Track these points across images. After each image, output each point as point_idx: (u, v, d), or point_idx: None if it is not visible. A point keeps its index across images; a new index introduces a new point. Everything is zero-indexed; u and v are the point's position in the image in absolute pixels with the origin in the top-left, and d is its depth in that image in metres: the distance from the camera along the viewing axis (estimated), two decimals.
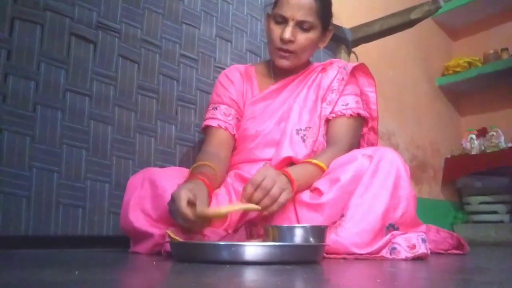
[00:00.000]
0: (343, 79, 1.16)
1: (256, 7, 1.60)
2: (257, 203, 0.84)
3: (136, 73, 1.23)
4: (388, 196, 0.89)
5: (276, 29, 1.12)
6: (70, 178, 1.04)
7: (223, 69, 1.42)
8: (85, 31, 1.12)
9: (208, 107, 1.23)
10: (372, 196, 0.89)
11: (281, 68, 1.16)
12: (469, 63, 2.81)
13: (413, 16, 1.64)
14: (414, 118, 2.60)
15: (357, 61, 1.77)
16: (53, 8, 1.06)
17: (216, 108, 1.19)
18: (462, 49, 3.06)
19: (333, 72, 1.19)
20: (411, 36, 2.48)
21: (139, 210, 0.94)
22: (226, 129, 1.16)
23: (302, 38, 1.12)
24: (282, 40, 1.10)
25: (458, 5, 2.78)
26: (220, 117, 1.17)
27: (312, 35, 1.13)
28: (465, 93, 3.00)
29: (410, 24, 1.68)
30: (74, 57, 1.09)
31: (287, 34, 1.09)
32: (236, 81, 1.22)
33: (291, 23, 1.10)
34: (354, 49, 1.82)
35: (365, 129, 1.19)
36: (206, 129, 1.19)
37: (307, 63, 1.24)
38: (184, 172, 1.05)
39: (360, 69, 1.19)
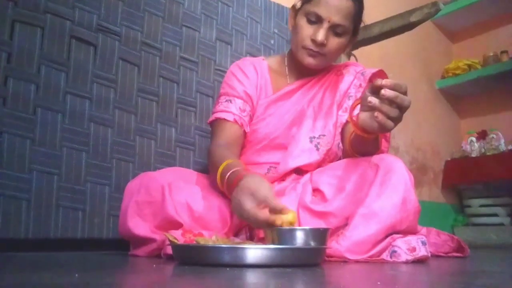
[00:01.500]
0: (360, 85, 1.14)
1: (256, 10, 1.60)
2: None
3: (136, 75, 1.23)
4: (396, 210, 0.86)
5: (307, 28, 1.07)
6: (70, 181, 1.04)
7: (223, 71, 1.42)
8: (85, 34, 1.12)
9: (218, 98, 1.17)
10: (379, 209, 0.86)
11: (306, 66, 1.11)
12: (469, 66, 2.81)
13: (413, 18, 1.65)
14: (414, 121, 2.60)
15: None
16: (54, 11, 1.06)
17: (231, 101, 1.12)
18: (462, 51, 3.06)
19: (349, 77, 1.16)
20: (411, 39, 2.48)
21: (137, 217, 0.93)
22: (241, 125, 1.10)
23: (334, 42, 1.08)
24: (314, 41, 1.06)
25: (458, 8, 2.78)
26: (235, 112, 1.10)
27: (343, 40, 1.09)
28: (465, 96, 3.00)
29: (410, 26, 1.68)
30: (75, 60, 1.09)
31: (321, 36, 1.05)
32: (251, 76, 1.16)
33: (325, 25, 1.05)
34: (354, 52, 1.82)
35: None
36: (218, 122, 1.11)
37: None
38: (182, 171, 1.04)
39: (379, 76, 1.15)
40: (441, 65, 2.97)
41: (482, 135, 2.73)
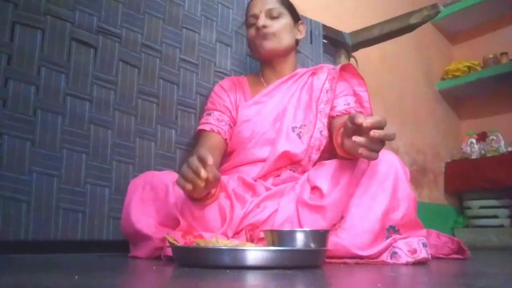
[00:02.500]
0: (333, 78, 1.21)
1: None
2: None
3: (136, 77, 1.23)
4: (387, 197, 0.88)
5: (252, 29, 1.24)
6: (70, 183, 1.04)
7: (223, 73, 1.44)
8: (85, 35, 1.12)
9: (202, 114, 1.28)
10: (370, 197, 0.89)
11: (267, 51, 1.22)
12: (469, 67, 2.82)
13: (413, 20, 1.65)
14: (414, 122, 2.61)
15: (357, 65, 1.78)
16: (54, 13, 1.06)
17: (210, 114, 1.24)
18: (462, 53, 3.07)
19: (323, 75, 1.23)
20: (411, 41, 2.48)
21: (141, 212, 0.94)
22: (218, 133, 1.19)
23: (276, 23, 1.22)
24: (257, 28, 1.20)
25: (458, 10, 2.79)
26: (213, 122, 1.21)
27: (283, 21, 1.23)
28: (465, 97, 3.01)
29: (410, 28, 1.69)
30: (75, 62, 1.09)
31: (261, 21, 1.20)
32: (228, 89, 1.27)
33: (261, 15, 1.21)
34: (354, 54, 1.82)
35: None
36: (199, 133, 1.23)
37: (295, 66, 1.30)
38: None
39: (348, 70, 1.24)
40: (441, 67, 2.97)
41: (482, 137, 2.73)
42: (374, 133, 0.81)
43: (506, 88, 2.72)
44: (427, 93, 2.84)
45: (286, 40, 1.24)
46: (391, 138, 0.84)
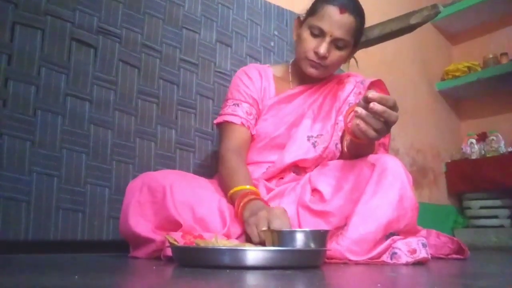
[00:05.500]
0: (360, 93, 1.17)
1: (256, 12, 1.61)
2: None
3: (137, 77, 1.23)
4: (392, 208, 0.87)
5: (311, 41, 1.11)
6: (70, 183, 1.04)
7: (224, 74, 1.44)
8: (85, 36, 1.12)
9: (225, 101, 1.20)
10: (375, 207, 0.88)
11: (309, 75, 1.16)
12: (469, 68, 2.81)
13: (413, 21, 1.65)
14: (414, 123, 2.60)
15: (357, 65, 1.77)
16: (54, 13, 1.06)
17: (238, 105, 1.16)
18: (462, 53, 3.07)
19: (350, 86, 1.20)
20: (411, 41, 2.48)
21: (139, 216, 0.93)
22: (248, 128, 1.14)
23: (336, 55, 1.12)
24: (317, 54, 1.10)
25: (458, 10, 2.78)
26: (242, 115, 1.14)
27: (344, 53, 1.14)
28: (465, 98, 3.01)
29: (410, 29, 1.68)
30: (75, 62, 1.09)
31: (323, 49, 1.09)
32: (255, 79, 1.20)
33: (327, 39, 1.09)
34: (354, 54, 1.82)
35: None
36: (226, 124, 1.15)
37: None
38: (181, 174, 1.05)
39: (377, 85, 1.20)
40: (441, 67, 2.97)
41: (482, 137, 2.73)
42: (373, 105, 0.80)
43: (506, 88, 2.72)
44: (427, 93, 2.83)
45: (334, 70, 1.19)
46: (391, 117, 0.82)
